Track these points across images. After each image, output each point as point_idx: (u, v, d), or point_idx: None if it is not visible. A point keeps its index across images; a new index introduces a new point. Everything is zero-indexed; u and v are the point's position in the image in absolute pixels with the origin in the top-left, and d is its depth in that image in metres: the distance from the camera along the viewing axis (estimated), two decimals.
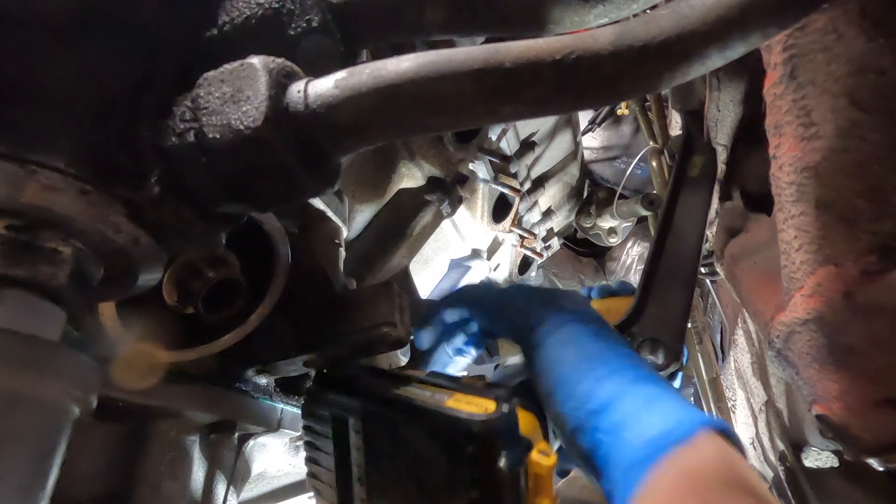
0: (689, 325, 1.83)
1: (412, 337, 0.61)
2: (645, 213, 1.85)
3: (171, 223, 0.38)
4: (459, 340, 0.65)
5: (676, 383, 0.66)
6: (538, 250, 1.88)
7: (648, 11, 0.37)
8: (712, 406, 1.77)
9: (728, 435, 0.39)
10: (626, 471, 0.38)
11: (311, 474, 0.59)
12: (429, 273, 1.45)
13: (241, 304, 0.58)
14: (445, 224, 1.30)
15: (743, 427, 1.48)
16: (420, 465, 0.44)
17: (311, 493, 0.89)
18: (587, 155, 2.15)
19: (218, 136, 0.35)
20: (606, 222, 2.11)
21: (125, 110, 0.38)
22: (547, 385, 0.48)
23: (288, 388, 0.76)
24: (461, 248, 1.51)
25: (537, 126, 1.54)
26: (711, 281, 1.55)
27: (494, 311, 0.60)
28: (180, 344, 0.58)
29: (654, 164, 1.59)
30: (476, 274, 1.65)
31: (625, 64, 0.33)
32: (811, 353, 0.52)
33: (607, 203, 2.11)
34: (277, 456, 0.79)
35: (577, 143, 1.79)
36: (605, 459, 0.40)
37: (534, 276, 2.16)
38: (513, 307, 0.58)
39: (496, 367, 0.66)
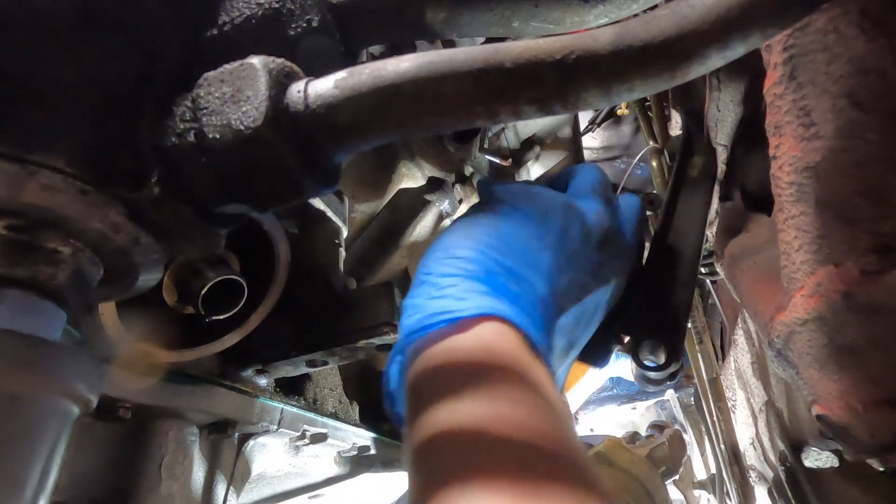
0: (689, 325, 1.83)
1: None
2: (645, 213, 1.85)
3: (171, 223, 0.38)
4: None
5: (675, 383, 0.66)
6: None
7: (648, 11, 0.37)
8: (712, 406, 1.77)
9: (524, 331, 0.39)
10: (402, 338, 0.40)
11: None
12: None
13: (241, 304, 0.58)
14: (445, 224, 1.30)
15: (743, 427, 1.48)
16: None
17: (312, 494, 0.89)
18: (587, 155, 2.15)
19: (218, 137, 0.35)
20: None
21: (125, 110, 0.38)
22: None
23: (288, 388, 0.76)
24: None
25: (537, 126, 1.54)
26: (711, 281, 1.55)
27: None
28: (180, 344, 0.58)
29: (654, 164, 1.59)
30: None
31: (625, 64, 0.33)
32: (811, 353, 0.52)
33: None
34: (277, 456, 0.79)
35: (577, 143, 1.79)
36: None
37: None
38: None
39: None
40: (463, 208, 1.28)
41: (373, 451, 0.94)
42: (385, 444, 0.98)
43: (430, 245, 0.47)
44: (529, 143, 1.50)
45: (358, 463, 0.93)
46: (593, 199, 0.55)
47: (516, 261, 0.44)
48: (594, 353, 0.58)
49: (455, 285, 0.41)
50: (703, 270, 1.19)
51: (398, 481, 1.07)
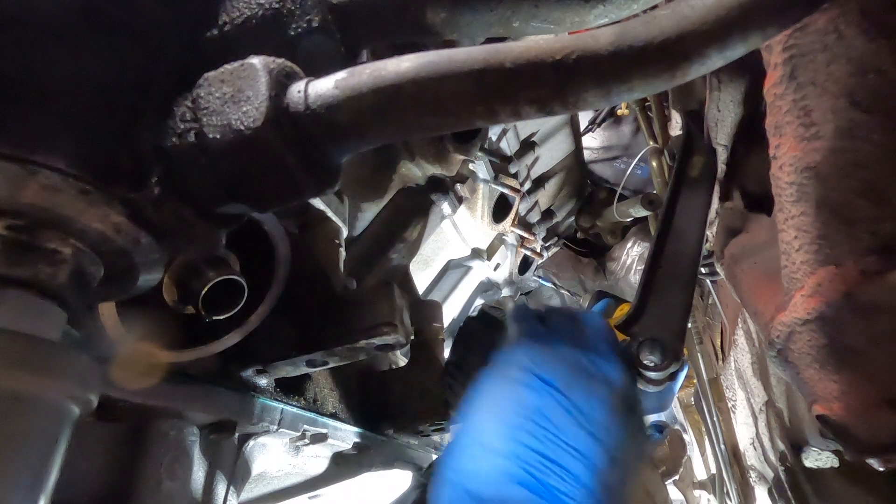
0: (689, 325, 1.83)
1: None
2: (645, 213, 1.85)
3: (171, 223, 0.38)
4: None
5: (677, 384, 0.65)
6: (538, 250, 1.88)
7: (648, 12, 0.37)
8: (712, 406, 1.77)
9: None
10: None
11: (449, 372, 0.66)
12: (429, 273, 1.45)
13: (241, 305, 0.58)
14: (445, 224, 1.30)
15: (743, 427, 1.48)
16: None
17: (311, 494, 0.89)
18: (587, 155, 2.15)
19: (218, 137, 0.35)
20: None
21: (125, 110, 0.38)
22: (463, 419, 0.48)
23: (288, 388, 0.76)
24: (461, 248, 1.51)
25: (537, 126, 1.54)
26: (711, 281, 1.55)
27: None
28: (180, 344, 0.58)
29: (654, 164, 1.59)
30: (476, 274, 1.65)
31: (625, 64, 0.33)
32: (811, 353, 0.52)
33: (607, 203, 2.11)
34: (277, 456, 0.79)
35: (577, 143, 1.79)
36: None
37: (534, 277, 2.16)
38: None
39: None
40: (463, 208, 1.28)
41: (373, 451, 0.94)
42: (385, 444, 0.98)
43: (456, 432, 0.46)
44: (529, 144, 1.50)
45: (358, 463, 0.93)
46: (613, 358, 0.55)
47: (555, 448, 0.43)
48: None
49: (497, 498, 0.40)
50: (703, 270, 1.19)
51: (398, 481, 1.07)
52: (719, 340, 1.76)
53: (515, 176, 1.50)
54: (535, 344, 0.54)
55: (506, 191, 1.48)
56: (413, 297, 1.11)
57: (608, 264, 2.49)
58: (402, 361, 1.08)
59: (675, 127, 1.35)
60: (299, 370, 0.70)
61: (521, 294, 2.03)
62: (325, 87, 0.36)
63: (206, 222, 0.40)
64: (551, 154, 1.72)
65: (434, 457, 1.13)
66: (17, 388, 0.31)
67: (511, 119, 0.36)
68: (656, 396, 0.67)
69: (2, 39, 0.34)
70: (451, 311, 1.66)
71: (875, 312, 0.47)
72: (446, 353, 0.99)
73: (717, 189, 0.87)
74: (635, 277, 2.36)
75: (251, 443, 0.70)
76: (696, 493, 2.26)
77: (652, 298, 0.67)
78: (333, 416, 0.83)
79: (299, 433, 0.75)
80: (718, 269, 0.90)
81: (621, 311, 0.85)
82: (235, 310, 0.58)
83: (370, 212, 1.03)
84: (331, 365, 0.69)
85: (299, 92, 0.36)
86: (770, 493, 1.29)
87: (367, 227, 1.04)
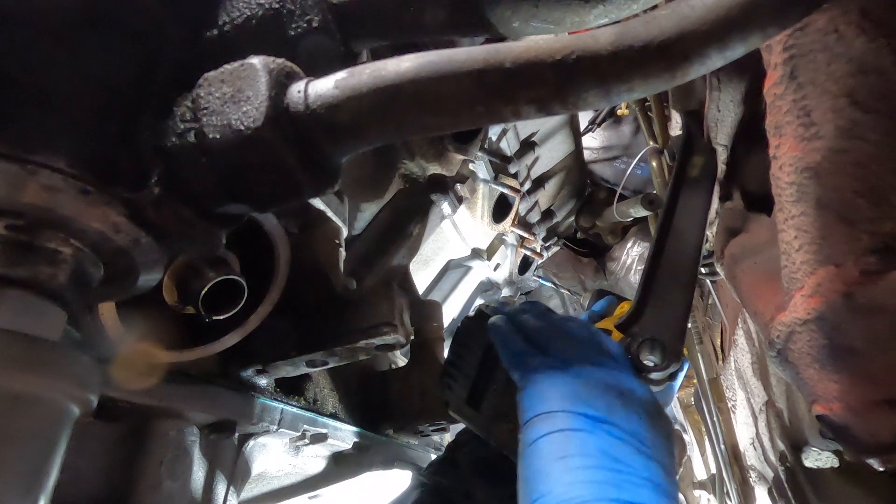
0: (689, 325, 1.83)
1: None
2: (645, 213, 1.85)
3: (171, 223, 0.38)
4: None
5: (677, 383, 0.66)
6: (538, 250, 1.88)
7: (649, 12, 0.37)
8: (712, 406, 1.77)
9: None
10: None
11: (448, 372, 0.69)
12: (429, 273, 1.45)
13: (241, 305, 0.58)
14: (445, 224, 1.30)
15: (743, 427, 1.48)
16: None
17: (311, 494, 0.89)
18: (587, 155, 2.15)
19: (218, 137, 0.35)
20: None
21: (125, 110, 0.38)
22: (524, 481, 0.47)
23: (288, 388, 0.76)
24: (461, 248, 1.51)
25: (537, 126, 1.54)
26: (711, 281, 1.55)
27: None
28: (180, 344, 0.58)
29: (654, 164, 1.59)
30: (476, 274, 1.65)
31: (625, 64, 0.33)
32: (811, 353, 0.52)
33: (607, 203, 2.11)
34: (277, 456, 0.79)
35: (577, 143, 1.79)
36: None
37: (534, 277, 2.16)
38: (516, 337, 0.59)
39: None
40: (463, 208, 1.28)
41: (372, 451, 0.94)
42: (385, 444, 0.98)
43: (522, 483, 0.45)
44: (529, 144, 1.50)
45: (358, 463, 0.93)
46: (627, 365, 0.56)
47: (632, 487, 0.43)
48: None
49: None
50: (703, 270, 1.19)
51: (398, 481, 1.07)
52: (719, 340, 1.76)
53: (515, 176, 1.50)
54: (547, 376, 0.52)
55: (506, 191, 1.48)
56: (413, 297, 1.11)
57: (608, 264, 2.49)
58: (402, 361, 1.08)
59: (675, 127, 1.35)
60: (299, 370, 0.70)
61: (520, 294, 2.03)
62: (325, 87, 0.36)
63: (206, 222, 0.40)
64: (551, 154, 1.72)
65: (434, 456, 1.13)
66: (17, 388, 0.31)
67: (511, 119, 0.36)
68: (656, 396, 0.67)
69: (2, 39, 0.34)
70: (451, 311, 1.66)
71: (875, 312, 0.46)
72: (446, 353, 0.99)
73: (717, 189, 0.87)
74: (635, 277, 2.36)
75: (251, 443, 0.70)
76: (696, 493, 2.26)
77: (652, 298, 0.67)
78: (333, 416, 0.83)
79: (299, 433, 0.75)
80: (718, 269, 0.90)
81: (621, 310, 0.85)
82: (235, 310, 0.58)
83: (370, 212, 1.03)
84: (331, 365, 0.69)
85: (299, 92, 0.36)
86: (770, 493, 1.29)
87: (367, 227, 1.04)
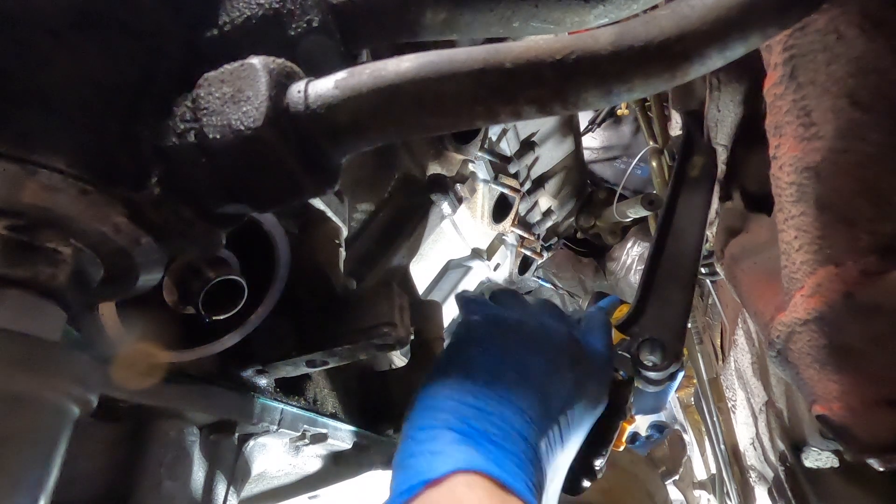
0: (689, 325, 1.83)
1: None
2: (645, 213, 1.85)
3: (171, 223, 0.38)
4: None
5: (676, 383, 0.66)
6: (538, 250, 1.88)
7: (649, 12, 0.37)
8: (712, 406, 1.77)
9: (495, 477, 0.42)
10: (391, 500, 0.43)
11: None
12: (429, 273, 1.45)
13: (241, 305, 0.58)
14: (445, 224, 1.30)
15: (743, 427, 1.48)
16: None
17: (311, 494, 0.89)
18: (587, 155, 2.15)
19: (218, 137, 0.35)
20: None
21: (125, 110, 0.38)
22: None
23: (288, 388, 0.76)
24: (461, 248, 1.51)
25: (537, 126, 1.54)
26: (711, 281, 1.55)
27: None
28: (180, 344, 0.58)
29: (654, 164, 1.59)
30: (476, 274, 1.65)
31: (625, 64, 0.33)
32: (811, 354, 0.52)
33: (607, 203, 2.11)
34: (277, 456, 0.79)
35: (577, 143, 1.79)
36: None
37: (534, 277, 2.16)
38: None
39: None
40: (463, 208, 1.28)
41: (372, 451, 0.94)
42: (385, 444, 0.98)
43: (415, 396, 0.51)
44: (529, 144, 1.50)
45: (358, 463, 0.93)
46: (558, 322, 0.59)
47: (489, 400, 0.47)
48: (567, 481, 0.58)
49: (432, 439, 0.44)
50: (703, 270, 1.19)
51: None
52: (719, 340, 1.76)
53: (515, 176, 1.50)
54: (480, 321, 0.58)
55: (506, 191, 1.48)
56: (413, 297, 1.11)
57: (608, 264, 2.49)
58: (402, 361, 1.08)
59: (675, 127, 1.35)
60: (299, 370, 0.70)
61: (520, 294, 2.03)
62: (325, 87, 0.36)
63: (206, 222, 0.40)
64: (551, 154, 1.72)
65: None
66: (17, 388, 0.31)
67: (511, 119, 0.36)
68: (653, 396, 0.67)
69: (2, 39, 0.34)
70: (451, 311, 1.66)
71: (875, 312, 0.47)
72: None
73: (717, 189, 0.87)
74: (635, 277, 2.36)
75: (251, 443, 0.70)
76: (696, 493, 2.26)
77: (652, 298, 0.67)
78: (333, 416, 0.83)
79: (299, 433, 0.75)
80: (718, 269, 0.90)
81: (620, 312, 0.85)
82: (235, 310, 0.58)
83: (370, 212, 1.03)
84: (331, 365, 0.69)
85: (299, 92, 0.36)
86: (770, 493, 1.29)
87: (367, 227, 1.04)
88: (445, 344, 0.59)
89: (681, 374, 0.64)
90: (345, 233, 0.80)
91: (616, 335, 0.65)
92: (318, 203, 0.76)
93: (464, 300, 0.63)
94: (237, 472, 0.68)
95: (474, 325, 0.57)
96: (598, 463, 0.58)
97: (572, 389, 0.53)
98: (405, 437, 0.47)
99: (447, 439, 0.44)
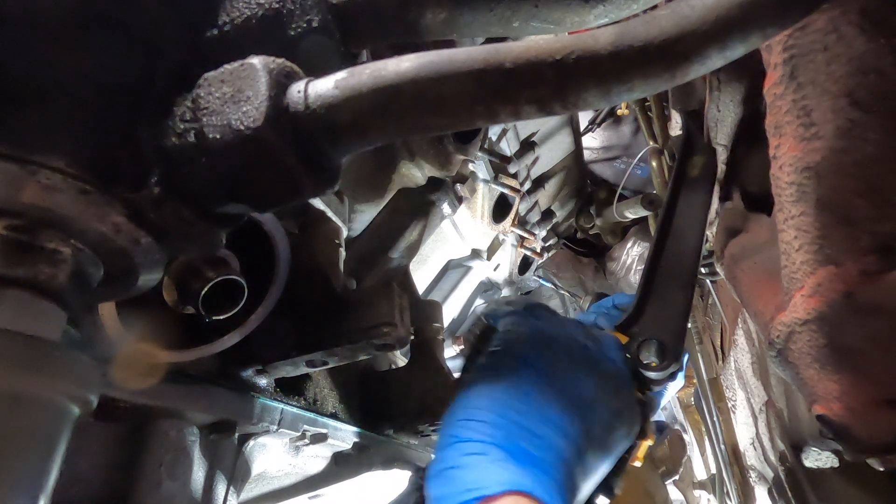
0: (689, 325, 1.83)
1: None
2: (645, 213, 1.85)
3: (171, 223, 0.38)
4: None
5: (678, 383, 0.66)
6: (538, 250, 1.88)
7: (648, 12, 0.37)
8: (712, 406, 1.77)
9: (543, 502, 0.42)
10: None
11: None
12: (429, 273, 1.45)
13: (241, 305, 0.58)
14: (445, 224, 1.30)
15: (743, 427, 1.48)
16: None
17: (311, 494, 0.89)
18: (587, 155, 2.15)
19: (218, 137, 0.35)
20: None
21: (125, 110, 0.38)
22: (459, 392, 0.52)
23: (288, 388, 0.76)
24: (461, 248, 1.51)
25: (537, 126, 1.54)
26: (711, 281, 1.55)
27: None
28: (180, 344, 0.58)
29: (654, 164, 1.59)
30: (476, 274, 1.65)
31: (625, 64, 0.33)
32: (811, 353, 0.52)
33: (607, 203, 2.11)
34: (277, 456, 0.79)
35: (577, 143, 1.79)
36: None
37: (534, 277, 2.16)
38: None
39: None
40: (463, 208, 1.28)
41: (372, 451, 0.94)
42: (385, 444, 0.98)
43: (453, 403, 0.51)
44: (529, 144, 1.50)
45: (358, 463, 0.93)
46: (598, 345, 0.58)
47: (536, 421, 0.47)
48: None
49: (479, 454, 0.44)
50: (703, 270, 1.19)
51: (398, 481, 1.07)
52: (719, 340, 1.76)
53: (515, 176, 1.50)
54: (527, 333, 0.57)
55: (506, 191, 1.48)
56: (413, 297, 1.11)
57: (608, 264, 2.49)
58: (402, 361, 1.08)
59: (675, 127, 1.35)
60: (299, 370, 0.70)
61: (521, 294, 2.03)
62: (325, 87, 0.36)
63: (206, 222, 0.40)
64: (551, 154, 1.72)
65: (433, 456, 1.13)
66: (17, 388, 0.31)
67: (511, 119, 0.36)
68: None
69: (2, 39, 0.34)
70: (451, 311, 1.66)
71: (875, 312, 0.47)
72: (446, 353, 0.99)
73: (717, 189, 0.87)
74: (635, 277, 2.36)
75: (251, 443, 0.70)
76: (696, 493, 2.26)
77: (652, 298, 0.67)
78: (333, 416, 0.83)
79: (299, 433, 0.75)
80: (718, 269, 0.90)
81: None
82: (235, 310, 0.58)
83: (370, 212, 1.03)
84: (331, 365, 0.69)
85: (299, 92, 0.36)
86: (770, 493, 1.29)
87: (367, 227, 1.04)
88: (488, 349, 0.57)
89: (681, 375, 0.64)
90: (345, 233, 0.80)
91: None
92: (318, 203, 0.76)
93: (508, 311, 0.61)
94: (237, 472, 0.68)
95: (520, 338, 0.56)
96: (617, 482, 0.58)
97: (614, 417, 0.53)
98: (446, 443, 0.47)
99: (495, 456, 0.44)
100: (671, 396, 0.73)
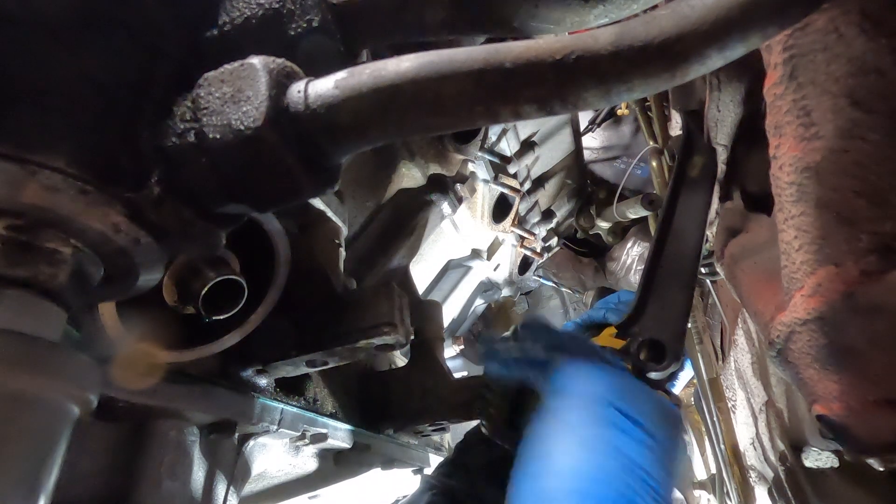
0: (689, 325, 1.82)
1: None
2: (645, 213, 1.85)
3: (171, 223, 0.38)
4: None
5: (686, 374, 0.66)
6: (538, 250, 1.88)
7: (648, 12, 0.37)
8: (712, 406, 1.77)
9: None
10: None
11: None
12: (429, 273, 1.45)
13: (241, 305, 0.58)
14: (445, 224, 1.30)
15: (743, 427, 1.48)
16: None
17: (311, 494, 0.89)
18: (587, 155, 2.15)
19: (218, 137, 0.35)
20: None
21: (125, 110, 0.38)
22: (524, 451, 0.47)
23: (288, 388, 0.76)
24: (461, 248, 1.51)
25: (537, 126, 1.54)
26: (711, 281, 1.55)
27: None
28: (180, 344, 0.58)
29: (654, 164, 1.59)
30: (476, 274, 1.65)
31: (625, 64, 0.33)
32: (811, 353, 0.52)
33: (607, 203, 2.11)
34: (277, 456, 0.79)
35: (577, 143, 1.79)
36: None
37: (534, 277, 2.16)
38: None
39: None
40: (463, 208, 1.28)
41: (372, 451, 0.94)
42: (385, 444, 0.98)
43: (528, 458, 0.44)
44: (529, 144, 1.50)
45: (358, 463, 0.93)
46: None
47: (647, 499, 0.43)
48: None
49: None
50: (703, 270, 1.19)
51: (398, 481, 1.07)
52: (719, 340, 1.76)
53: (515, 176, 1.50)
54: (605, 371, 0.51)
55: (506, 191, 1.48)
56: (413, 297, 1.11)
57: (608, 264, 2.49)
58: (402, 361, 1.08)
59: (675, 127, 1.35)
60: (299, 370, 0.70)
61: (521, 294, 2.03)
62: (325, 87, 0.36)
63: (206, 222, 0.40)
64: (551, 154, 1.72)
65: (433, 456, 1.13)
66: (17, 388, 0.31)
67: (511, 119, 0.36)
68: None
69: (2, 39, 0.34)
70: (451, 311, 1.66)
71: (875, 312, 0.47)
72: (447, 353, 0.99)
73: (717, 189, 0.87)
74: (635, 277, 2.36)
75: (251, 443, 0.70)
76: (696, 493, 2.26)
77: (652, 298, 0.67)
78: (333, 416, 0.83)
79: (299, 433, 0.75)
80: (718, 269, 0.90)
81: (610, 332, 0.84)
82: (235, 310, 0.58)
83: (370, 212, 1.03)
84: (331, 365, 0.69)
85: (299, 92, 0.36)
86: (770, 493, 1.28)
87: (367, 227, 1.04)
88: (538, 409, 0.51)
89: (681, 374, 0.64)
90: (345, 233, 0.80)
91: (616, 342, 0.65)
92: (318, 203, 0.76)
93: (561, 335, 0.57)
94: (237, 471, 0.68)
95: (609, 386, 0.49)
96: None
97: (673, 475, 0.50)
98: None
99: None
100: (681, 388, 0.72)
